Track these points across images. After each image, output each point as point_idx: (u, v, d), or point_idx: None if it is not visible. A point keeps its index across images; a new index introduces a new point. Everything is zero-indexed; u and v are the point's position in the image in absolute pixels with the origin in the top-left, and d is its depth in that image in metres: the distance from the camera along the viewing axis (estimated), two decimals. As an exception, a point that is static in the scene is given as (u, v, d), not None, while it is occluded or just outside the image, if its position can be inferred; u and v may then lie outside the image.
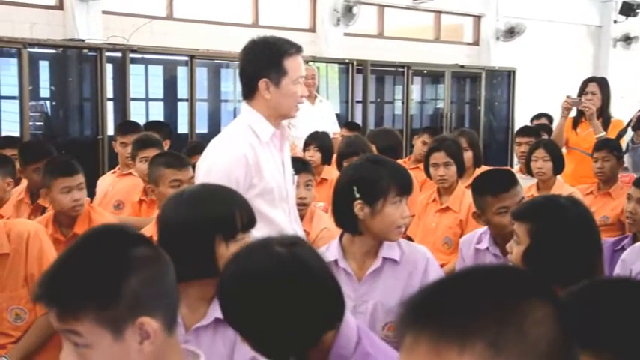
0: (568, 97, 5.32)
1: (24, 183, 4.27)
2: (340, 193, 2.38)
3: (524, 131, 5.46)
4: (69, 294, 1.32)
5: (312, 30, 10.39)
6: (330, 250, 2.38)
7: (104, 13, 8.19)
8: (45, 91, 7.52)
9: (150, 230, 3.28)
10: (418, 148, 5.49)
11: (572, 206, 2.13)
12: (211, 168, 2.64)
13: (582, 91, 5.40)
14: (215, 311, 1.97)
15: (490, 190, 2.88)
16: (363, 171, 2.36)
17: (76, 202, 3.38)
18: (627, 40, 14.17)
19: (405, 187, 2.35)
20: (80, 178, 3.45)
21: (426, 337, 0.88)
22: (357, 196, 2.30)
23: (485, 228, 3.06)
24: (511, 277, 0.96)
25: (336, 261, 2.35)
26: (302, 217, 3.32)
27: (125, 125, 5.33)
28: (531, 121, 6.98)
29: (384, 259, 2.37)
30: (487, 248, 2.91)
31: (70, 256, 1.39)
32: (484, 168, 4.64)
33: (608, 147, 4.50)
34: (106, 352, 1.32)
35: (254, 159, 2.67)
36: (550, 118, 7.00)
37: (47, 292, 1.34)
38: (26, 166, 4.08)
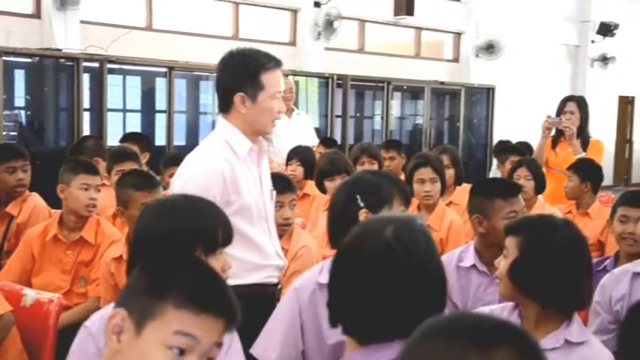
0: (549, 116, 5.31)
1: None
2: (341, 206, 2.26)
3: (510, 150, 5.45)
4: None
5: (293, 44, 10.36)
6: (327, 271, 2.25)
7: (82, 22, 8.09)
8: (20, 100, 7.41)
9: (119, 249, 3.19)
10: (385, 165, 5.44)
11: (565, 227, 2.09)
12: (187, 184, 2.53)
13: (561, 111, 5.38)
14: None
15: (501, 194, 2.81)
16: (365, 180, 2.30)
17: (92, 200, 3.43)
18: (604, 60, 14.33)
19: (407, 197, 2.31)
20: (99, 180, 3.54)
21: None
22: (362, 204, 2.20)
23: (464, 246, 3.01)
24: None
25: None
26: (282, 236, 3.24)
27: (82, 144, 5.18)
28: (495, 149, 6.87)
29: None
30: (473, 266, 2.85)
31: None
32: (465, 185, 4.62)
33: (573, 167, 4.52)
34: None
35: (231, 175, 2.58)
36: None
37: (230, 307, 1.40)
38: None
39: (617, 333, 1.72)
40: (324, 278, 2.24)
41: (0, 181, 3.98)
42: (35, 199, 4.03)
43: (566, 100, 5.44)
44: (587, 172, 4.48)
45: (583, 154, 5.05)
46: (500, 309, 2.15)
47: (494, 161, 6.25)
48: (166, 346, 1.31)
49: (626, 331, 1.68)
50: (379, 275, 1.52)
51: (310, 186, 4.91)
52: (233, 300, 1.40)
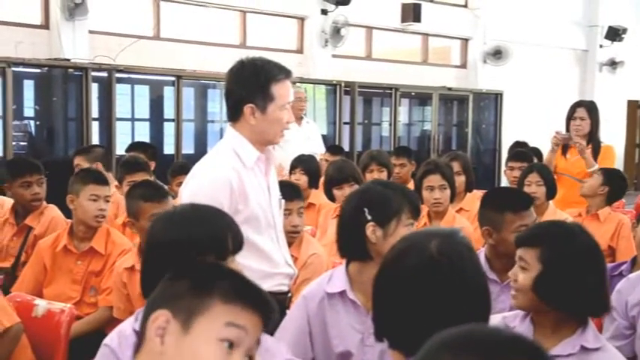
0: (557, 132, 5.23)
1: (8, 203, 4.17)
2: (349, 217, 2.25)
3: (518, 155, 5.40)
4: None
5: (300, 51, 10.37)
6: (335, 281, 2.25)
7: (90, 32, 8.13)
8: (29, 110, 7.43)
9: (131, 260, 3.20)
10: (394, 171, 5.44)
11: (582, 234, 2.06)
12: (195, 193, 2.53)
13: (571, 117, 5.31)
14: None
15: (512, 208, 2.78)
16: (374, 192, 2.26)
17: (101, 211, 3.44)
18: (613, 64, 14.29)
19: (417, 210, 2.28)
20: (108, 191, 3.55)
21: None
22: (369, 217, 2.18)
23: None
24: None
25: (342, 292, 2.22)
26: (292, 244, 3.24)
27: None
28: (510, 151, 6.83)
29: None
30: None
31: None
32: (475, 192, 4.60)
33: (603, 169, 4.54)
34: None
35: (239, 184, 2.57)
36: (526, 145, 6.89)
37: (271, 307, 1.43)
38: (13, 182, 3.98)
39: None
40: (332, 287, 2.24)
41: (16, 195, 4.00)
42: (53, 212, 4.05)
43: (575, 106, 5.38)
44: (613, 180, 4.47)
45: (596, 166, 4.97)
46: (513, 317, 2.13)
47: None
48: (217, 339, 1.32)
49: None
50: (424, 288, 1.52)
51: (314, 195, 4.90)
52: (272, 301, 1.43)
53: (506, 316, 2.16)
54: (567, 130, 5.31)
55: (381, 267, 1.66)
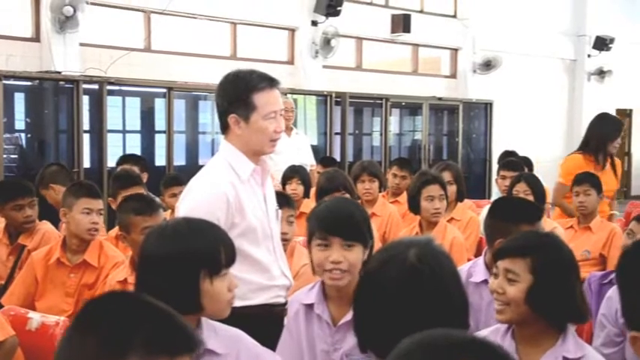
0: None
1: (1, 222, 4.14)
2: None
3: (510, 165, 5.44)
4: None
5: (291, 62, 10.41)
6: (313, 291, 2.27)
7: (81, 45, 8.13)
8: (20, 123, 7.42)
9: (123, 273, 3.20)
10: (390, 181, 5.46)
11: (563, 242, 2.10)
12: (192, 209, 2.53)
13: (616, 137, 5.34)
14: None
15: (527, 219, 2.77)
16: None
17: (93, 224, 3.44)
18: (601, 73, 14.41)
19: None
20: (101, 204, 3.55)
21: None
22: None
23: (472, 262, 3.02)
24: None
25: (312, 305, 2.24)
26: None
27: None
28: (499, 160, 6.85)
29: None
30: (484, 281, 2.84)
31: None
32: (466, 202, 4.63)
33: (589, 182, 4.51)
34: None
35: (235, 198, 2.58)
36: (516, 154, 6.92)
37: (193, 337, 1.24)
38: (4, 205, 3.97)
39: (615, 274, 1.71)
40: (307, 298, 2.26)
41: (8, 217, 4.00)
42: (45, 226, 4.05)
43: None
44: (599, 186, 4.53)
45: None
46: (493, 334, 2.12)
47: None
48: None
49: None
50: (408, 296, 1.53)
51: (305, 204, 4.92)
52: (190, 328, 1.24)
53: (486, 335, 2.17)
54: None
55: (361, 279, 1.67)
